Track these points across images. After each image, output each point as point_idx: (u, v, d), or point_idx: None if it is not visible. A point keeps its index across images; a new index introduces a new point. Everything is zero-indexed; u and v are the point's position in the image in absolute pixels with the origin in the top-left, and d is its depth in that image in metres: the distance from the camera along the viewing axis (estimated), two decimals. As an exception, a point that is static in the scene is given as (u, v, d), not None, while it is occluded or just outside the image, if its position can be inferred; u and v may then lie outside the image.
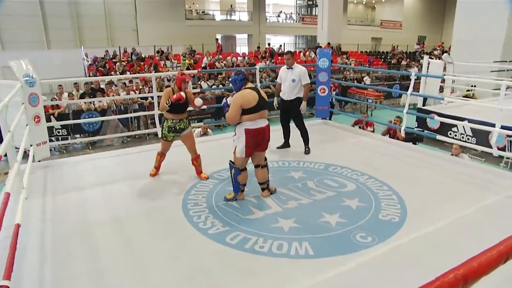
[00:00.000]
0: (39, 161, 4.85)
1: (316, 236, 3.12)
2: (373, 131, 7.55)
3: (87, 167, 4.95)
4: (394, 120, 7.33)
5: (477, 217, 3.44)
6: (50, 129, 7.32)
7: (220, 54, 19.02)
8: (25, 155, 4.35)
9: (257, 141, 3.70)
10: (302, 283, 2.52)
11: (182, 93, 4.09)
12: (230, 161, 3.80)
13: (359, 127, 7.57)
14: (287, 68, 5.28)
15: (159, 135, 4.52)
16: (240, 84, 3.69)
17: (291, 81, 5.24)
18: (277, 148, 5.49)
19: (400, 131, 5.97)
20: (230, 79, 3.87)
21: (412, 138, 6.51)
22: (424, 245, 2.96)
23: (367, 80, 16.17)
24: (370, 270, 2.63)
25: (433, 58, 19.39)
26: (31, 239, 3.06)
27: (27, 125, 4.56)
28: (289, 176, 4.52)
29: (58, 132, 9.63)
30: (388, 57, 22.98)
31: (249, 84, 3.73)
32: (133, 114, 9.81)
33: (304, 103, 5.34)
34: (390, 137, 6.72)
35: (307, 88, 5.31)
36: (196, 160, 4.42)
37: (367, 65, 20.66)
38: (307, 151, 5.32)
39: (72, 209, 3.66)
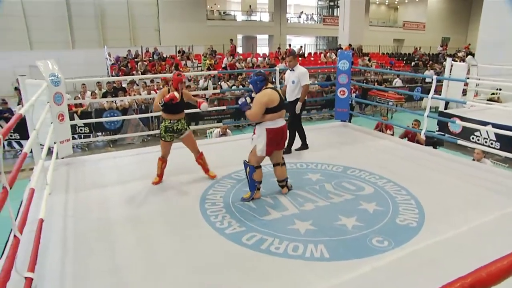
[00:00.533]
0: (62, 158, 4.99)
1: (332, 239, 3.11)
2: (392, 134, 7.44)
3: (108, 165, 5.07)
4: (413, 123, 7.20)
5: (498, 224, 3.36)
6: (73, 127, 7.48)
7: (234, 55, 18.99)
8: (49, 152, 4.49)
9: (276, 140, 3.81)
10: (316, 286, 2.52)
11: (176, 94, 4.02)
12: (245, 160, 3.86)
13: (379, 130, 7.47)
14: (290, 70, 5.36)
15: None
16: (261, 85, 3.75)
17: (291, 83, 5.31)
18: (295, 150, 5.48)
19: (420, 134, 5.86)
20: (250, 80, 3.87)
21: (432, 142, 6.39)
22: (442, 250, 2.91)
23: (397, 82, 15.86)
24: (385, 275, 2.61)
25: (456, 61, 19.07)
26: (54, 234, 3.16)
27: (51, 123, 4.70)
28: (306, 178, 4.52)
29: (81, 130, 9.87)
30: (415, 59, 22.48)
31: (269, 85, 3.79)
32: (153, 114, 9.95)
33: (299, 104, 5.32)
34: (408, 140, 6.61)
35: (304, 89, 5.30)
36: (200, 158, 4.43)
37: (388, 67, 20.41)
38: (287, 151, 5.28)
39: (93, 206, 3.76)
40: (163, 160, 4.30)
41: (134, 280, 2.63)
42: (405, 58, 23.39)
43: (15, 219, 2.14)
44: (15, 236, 1.93)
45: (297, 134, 5.56)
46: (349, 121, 7.43)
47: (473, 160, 5.66)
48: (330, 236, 3.16)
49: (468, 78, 9.30)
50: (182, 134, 4.27)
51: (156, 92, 10.75)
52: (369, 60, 19.72)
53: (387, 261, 2.76)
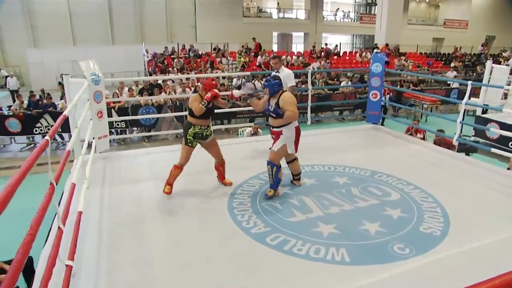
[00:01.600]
0: (100, 152, 5.28)
1: (354, 243, 3.17)
2: (423, 138, 7.30)
3: (143, 161, 5.31)
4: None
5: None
6: (110, 122, 7.87)
7: (258, 53, 18.87)
8: (88, 146, 4.77)
9: (299, 137, 4.14)
10: (336, 289, 2.59)
11: (215, 90, 4.00)
12: (269, 160, 4.04)
13: (410, 134, 7.36)
14: (275, 72, 5.41)
15: (183, 142, 4.17)
16: (278, 89, 3.99)
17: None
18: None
19: (452, 140, 5.75)
20: (266, 83, 4.01)
21: (465, 148, 6.23)
22: (463, 261, 2.90)
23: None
24: (404, 282, 2.64)
25: (500, 62, 18.25)
26: (90, 226, 3.40)
27: (91, 119, 4.99)
28: (334, 181, 4.56)
29: (118, 125, 10.30)
30: (454, 60, 21.69)
31: (283, 89, 4.07)
32: (186, 113, 10.26)
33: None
34: (440, 145, 6.47)
35: (290, 90, 5.20)
36: (222, 165, 4.41)
37: (426, 67, 19.85)
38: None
39: (127, 200, 3.99)
40: (181, 169, 4.14)
41: (162, 274, 2.80)
42: (443, 59, 22.64)
43: (57, 211, 2.35)
44: (59, 227, 2.14)
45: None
46: (382, 124, 7.36)
47: (508, 169, 5.49)
48: (352, 240, 3.21)
49: (510, 83, 8.98)
50: (207, 140, 4.26)
51: (191, 90, 11.05)
52: (405, 60, 19.24)
53: (406, 269, 2.79)
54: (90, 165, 4.40)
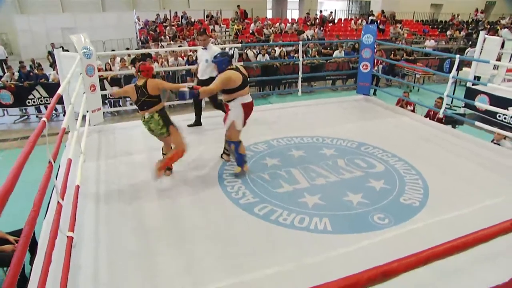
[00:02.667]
0: (94, 125, 5.39)
1: (337, 213, 3.37)
2: (413, 110, 7.44)
3: (136, 133, 5.40)
4: (436, 101, 7.15)
5: (499, 209, 3.47)
6: (104, 95, 7.93)
7: (243, 22, 18.43)
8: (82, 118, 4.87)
9: (249, 113, 4.09)
10: (316, 257, 2.81)
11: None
12: (227, 139, 4.14)
13: (400, 106, 7.48)
14: (203, 49, 5.36)
15: (172, 129, 3.89)
16: (225, 66, 3.93)
17: (204, 62, 5.29)
18: (188, 126, 5.60)
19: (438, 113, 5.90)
20: (215, 60, 3.99)
21: (452, 120, 6.39)
22: (439, 230, 3.11)
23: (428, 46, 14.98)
24: (380, 250, 2.85)
25: (498, 30, 18.09)
26: (88, 199, 3.57)
27: (84, 93, 5.06)
28: (321, 153, 4.73)
29: (110, 96, 10.28)
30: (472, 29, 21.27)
31: (231, 65, 3.98)
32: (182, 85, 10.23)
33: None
34: (430, 118, 6.62)
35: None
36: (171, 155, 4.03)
37: (421, 35, 19.68)
38: (197, 123, 5.66)
39: (123, 172, 4.16)
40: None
41: (157, 241, 3.00)
42: (440, 26, 22.36)
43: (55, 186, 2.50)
44: (58, 202, 2.29)
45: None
46: (374, 94, 7.44)
47: (492, 140, 5.67)
48: (335, 211, 3.42)
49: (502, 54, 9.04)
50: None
51: (184, 59, 11.00)
52: (401, 28, 19.05)
53: (384, 238, 3.01)
54: (85, 138, 4.52)
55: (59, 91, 3.16)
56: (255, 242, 3.01)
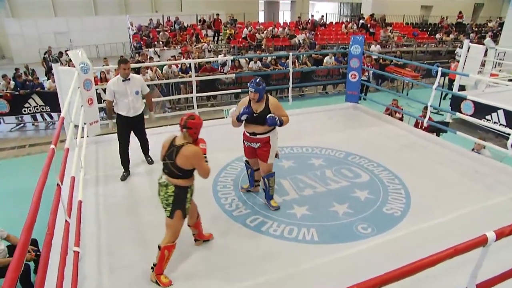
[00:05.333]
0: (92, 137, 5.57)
1: (323, 224, 3.62)
2: (401, 118, 7.71)
3: (132, 143, 5.59)
4: (422, 111, 7.42)
5: (476, 216, 3.73)
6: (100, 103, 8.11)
7: (219, 30, 18.19)
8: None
9: None
10: (303, 265, 3.04)
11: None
12: (265, 175, 3.83)
13: (389, 114, 7.74)
14: (123, 81, 4.50)
15: (177, 215, 2.97)
16: (263, 93, 3.68)
17: (134, 94, 4.56)
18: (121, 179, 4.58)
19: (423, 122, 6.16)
20: (256, 86, 3.60)
21: (436, 128, 6.66)
22: (417, 239, 3.36)
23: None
24: (363, 258, 3.10)
25: (484, 35, 18.46)
26: (89, 212, 3.77)
27: (81, 106, 5.24)
28: (310, 163, 4.96)
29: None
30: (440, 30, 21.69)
31: None
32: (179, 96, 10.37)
33: (151, 113, 5.08)
34: (419, 127, 6.89)
35: (150, 96, 4.99)
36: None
37: (411, 39, 20.01)
38: (150, 161, 4.99)
39: (120, 185, 4.36)
40: (174, 246, 3.01)
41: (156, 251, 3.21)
42: (429, 29, 22.70)
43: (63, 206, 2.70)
44: (66, 220, 2.50)
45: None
46: (365, 95, 7.62)
47: (473, 149, 5.94)
48: (322, 221, 3.66)
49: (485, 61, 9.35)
50: None
51: (177, 67, 11.16)
52: (391, 31, 19.38)
53: (367, 246, 3.26)
54: (84, 151, 4.71)
55: (63, 112, 3.36)
56: (246, 253, 3.24)
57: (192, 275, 2.96)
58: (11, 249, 4.13)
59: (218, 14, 18.81)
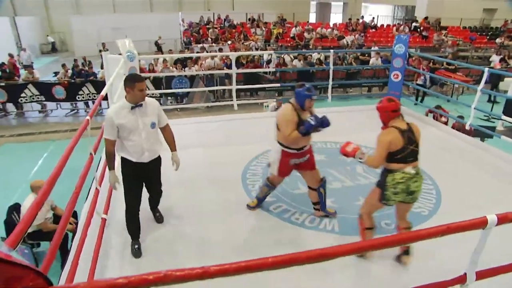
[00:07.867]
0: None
1: (346, 216, 3.60)
2: (446, 123, 7.41)
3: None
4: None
5: (507, 226, 3.54)
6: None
7: (284, 26, 18.48)
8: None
9: None
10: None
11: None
12: (322, 184, 3.62)
13: (433, 117, 7.44)
14: (133, 108, 2.93)
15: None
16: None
17: (150, 127, 3.06)
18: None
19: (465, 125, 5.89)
20: (311, 93, 3.37)
21: (481, 133, 6.34)
22: (439, 239, 3.24)
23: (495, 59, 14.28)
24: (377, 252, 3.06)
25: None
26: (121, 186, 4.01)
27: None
28: (341, 159, 4.90)
29: (153, 94, 10.93)
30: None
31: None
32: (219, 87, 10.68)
33: (174, 153, 3.41)
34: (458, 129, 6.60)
35: (170, 129, 3.41)
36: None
37: (468, 43, 19.06)
38: (159, 218, 3.58)
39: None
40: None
41: (182, 229, 3.38)
42: (490, 33, 21.42)
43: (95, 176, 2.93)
44: (96, 188, 2.71)
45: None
46: (421, 101, 7.35)
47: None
48: (345, 213, 3.65)
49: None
50: None
51: (224, 62, 11.43)
52: (445, 35, 18.56)
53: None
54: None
55: (103, 91, 3.61)
56: (266, 238, 3.33)
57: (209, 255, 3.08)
58: (55, 218, 4.49)
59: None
